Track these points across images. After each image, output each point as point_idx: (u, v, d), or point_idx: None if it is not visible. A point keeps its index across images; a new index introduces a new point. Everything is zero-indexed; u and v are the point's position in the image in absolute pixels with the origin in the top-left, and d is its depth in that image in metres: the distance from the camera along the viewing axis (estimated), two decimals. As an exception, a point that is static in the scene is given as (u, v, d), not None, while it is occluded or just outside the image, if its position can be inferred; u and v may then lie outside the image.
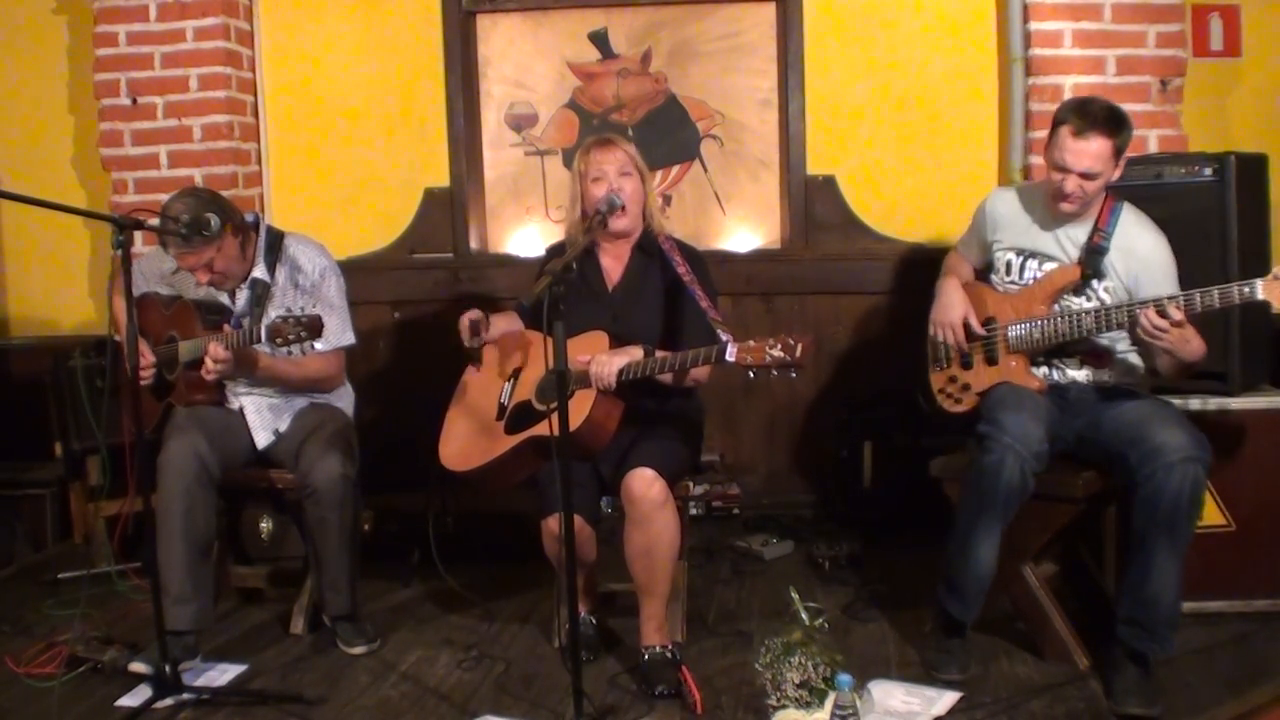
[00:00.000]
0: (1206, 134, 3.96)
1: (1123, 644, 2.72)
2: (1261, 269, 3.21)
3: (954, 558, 2.84)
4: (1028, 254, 2.98)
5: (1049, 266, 2.95)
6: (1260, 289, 2.53)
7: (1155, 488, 2.63)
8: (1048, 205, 2.93)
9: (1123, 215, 2.88)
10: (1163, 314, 2.61)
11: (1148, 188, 3.20)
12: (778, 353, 2.53)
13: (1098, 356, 2.93)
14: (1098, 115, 2.77)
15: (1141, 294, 2.80)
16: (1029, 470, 2.72)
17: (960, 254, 3.22)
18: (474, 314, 3.10)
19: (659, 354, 2.83)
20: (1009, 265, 3.01)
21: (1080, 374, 2.94)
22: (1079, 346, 2.91)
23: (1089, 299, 2.89)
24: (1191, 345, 2.68)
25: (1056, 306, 2.91)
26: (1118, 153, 2.79)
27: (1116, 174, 2.85)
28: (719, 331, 2.72)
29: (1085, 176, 2.78)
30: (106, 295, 3.74)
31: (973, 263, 3.19)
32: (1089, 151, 2.75)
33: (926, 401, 3.14)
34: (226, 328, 3.12)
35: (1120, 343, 2.92)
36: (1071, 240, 2.92)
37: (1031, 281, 2.96)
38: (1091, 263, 2.87)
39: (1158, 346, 2.69)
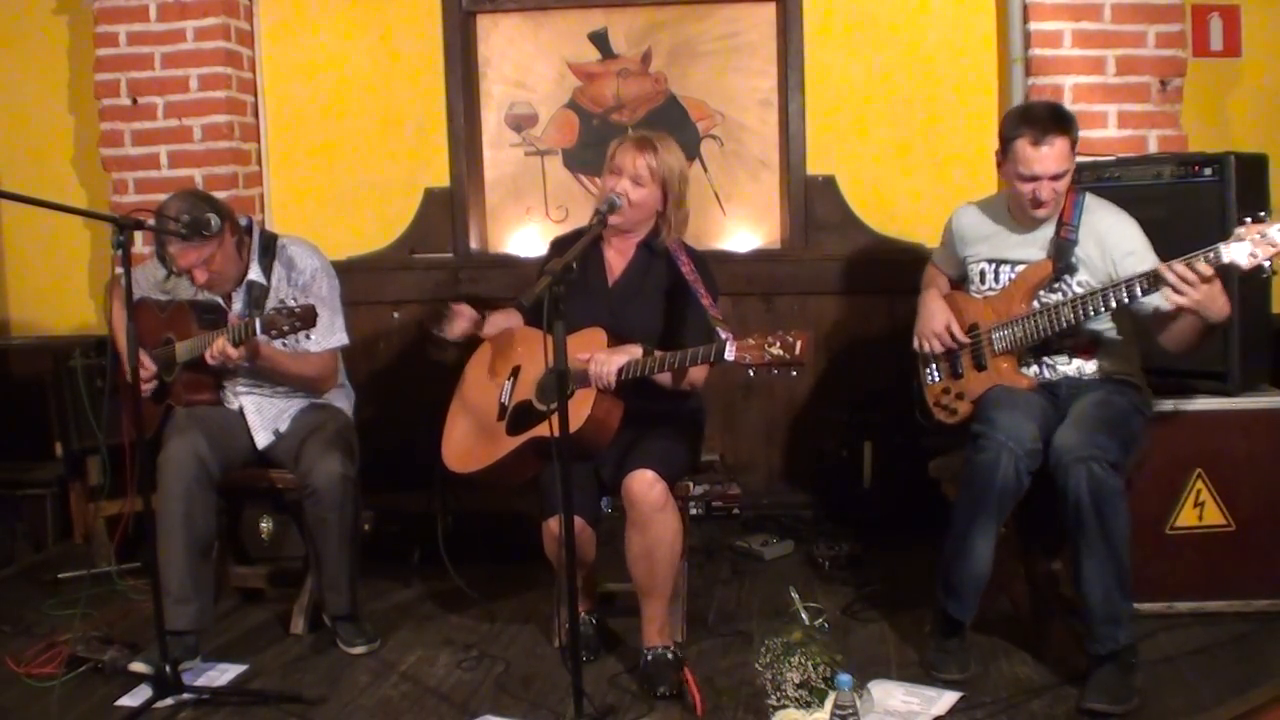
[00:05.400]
0: (1206, 134, 3.96)
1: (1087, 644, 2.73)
2: (1261, 270, 3.22)
3: (950, 557, 2.84)
4: (999, 262, 3.01)
5: (1021, 269, 2.96)
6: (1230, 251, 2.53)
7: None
8: (1013, 214, 2.99)
9: (1086, 205, 2.92)
10: (1192, 268, 2.55)
11: (1148, 188, 3.21)
12: (777, 350, 2.52)
13: (1086, 349, 2.93)
14: (1047, 119, 2.84)
15: (1123, 269, 2.79)
16: (1024, 469, 2.72)
17: (937, 267, 3.26)
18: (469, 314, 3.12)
19: (658, 353, 2.82)
20: (983, 274, 3.05)
21: (1071, 368, 2.94)
22: (1065, 342, 2.92)
23: (1064, 295, 2.88)
24: (1218, 304, 2.60)
25: (1036, 304, 2.91)
26: (1074, 146, 2.86)
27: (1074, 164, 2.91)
28: (718, 330, 2.71)
29: (1055, 178, 2.83)
30: (105, 300, 3.75)
31: (949, 275, 3.22)
32: (1053, 155, 2.81)
33: (924, 417, 3.14)
34: (233, 319, 3.11)
35: (1108, 332, 2.92)
36: (1039, 241, 2.95)
37: (1008, 283, 2.98)
38: (1061, 255, 2.88)
39: (1184, 305, 2.59)
